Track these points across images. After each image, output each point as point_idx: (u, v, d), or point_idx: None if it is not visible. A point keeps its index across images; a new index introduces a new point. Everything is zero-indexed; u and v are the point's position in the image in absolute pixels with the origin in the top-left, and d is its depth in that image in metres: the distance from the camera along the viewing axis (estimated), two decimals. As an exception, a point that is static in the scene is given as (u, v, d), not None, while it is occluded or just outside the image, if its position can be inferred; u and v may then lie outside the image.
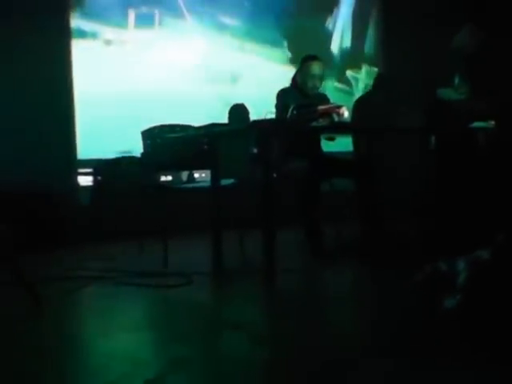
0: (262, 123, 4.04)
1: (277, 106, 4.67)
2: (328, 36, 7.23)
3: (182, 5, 6.53)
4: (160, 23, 6.49)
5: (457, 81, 4.90)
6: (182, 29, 6.58)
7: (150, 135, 4.65)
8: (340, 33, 7.24)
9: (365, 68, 7.41)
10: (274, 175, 3.91)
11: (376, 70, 7.34)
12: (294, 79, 4.88)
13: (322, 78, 4.78)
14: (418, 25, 6.68)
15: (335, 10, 7.21)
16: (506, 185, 4.33)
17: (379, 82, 5.96)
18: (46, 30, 5.50)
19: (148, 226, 4.49)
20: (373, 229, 4.53)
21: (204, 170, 5.21)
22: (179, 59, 6.53)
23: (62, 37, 5.77)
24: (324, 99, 4.82)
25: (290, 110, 4.28)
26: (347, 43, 7.29)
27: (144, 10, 6.42)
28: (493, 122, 4.34)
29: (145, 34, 6.43)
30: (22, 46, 5.39)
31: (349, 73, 7.30)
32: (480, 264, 3.01)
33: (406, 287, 3.37)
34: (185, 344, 2.64)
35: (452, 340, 2.53)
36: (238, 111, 6.03)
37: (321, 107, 4.20)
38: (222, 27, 6.73)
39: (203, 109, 6.29)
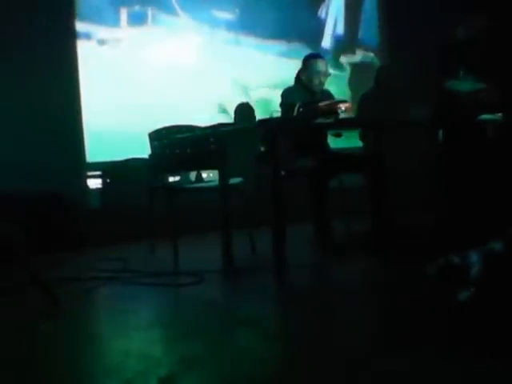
0: (268, 122, 4.05)
1: (282, 105, 4.68)
2: (321, 24, 7.19)
3: (174, 1, 6.47)
4: (153, 21, 6.42)
5: (461, 72, 4.90)
6: (176, 25, 6.52)
7: (157, 136, 4.67)
8: (333, 20, 7.21)
9: (359, 53, 7.39)
10: (282, 173, 3.90)
11: (371, 55, 7.33)
12: (297, 77, 4.88)
13: (326, 75, 4.79)
14: (420, 13, 6.67)
15: None
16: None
17: (381, 75, 5.96)
18: (52, 35, 5.52)
19: (158, 227, 4.51)
20: (383, 223, 4.53)
21: (212, 170, 5.21)
22: (175, 56, 6.48)
23: (68, 40, 5.78)
24: (329, 96, 4.83)
25: (296, 107, 4.29)
26: (340, 30, 7.26)
27: (136, 8, 6.35)
28: (500, 114, 4.33)
29: (138, 32, 6.37)
30: (30, 51, 5.42)
31: (343, 59, 7.27)
32: (493, 256, 3.00)
33: (418, 281, 3.38)
34: (198, 342, 2.65)
35: (466, 333, 2.52)
36: (244, 110, 6.05)
37: (324, 103, 4.21)
38: (216, 22, 6.67)
39: (203, 104, 6.32)
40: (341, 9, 7.24)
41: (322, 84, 4.76)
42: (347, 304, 3.19)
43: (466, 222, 4.36)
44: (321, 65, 4.74)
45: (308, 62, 4.80)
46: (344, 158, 4.81)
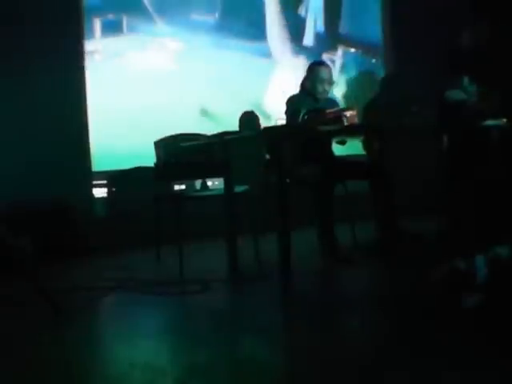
0: (273, 129, 4.05)
1: (287, 112, 4.69)
2: (302, 22, 7.15)
3: (150, 8, 6.32)
4: (128, 29, 6.23)
5: (465, 81, 4.90)
6: (153, 32, 6.34)
7: (162, 145, 4.68)
8: (313, 17, 7.18)
9: (341, 49, 7.38)
10: (288, 180, 3.91)
11: (353, 50, 7.32)
12: (302, 85, 4.88)
13: (331, 83, 4.79)
14: (426, 18, 6.68)
15: None
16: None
17: (386, 83, 5.96)
18: (58, 40, 5.53)
19: (163, 235, 4.51)
20: (388, 229, 4.52)
21: (217, 178, 5.22)
22: (154, 63, 6.31)
23: (75, 50, 5.78)
24: (334, 104, 4.84)
25: (301, 115, 4.29)
26: (321, 27, 7.24)
27: (110, 17, 6.14)
28: (505, 120, 4.33)
29: (113, 42, 6.16)
30: (36, 62, 5.43)
31: (325, 56, 7.23)
32: (499, 261, 3.00)
33: (424, 287, 3.37)
34: (203, 351, 2.65)
35: (474, 339, 2.52)
36: (248, 118, 6.04)
37: (330, 110, 4.21)
38: (195, 26, 6.51)
39: (187, 110, 6.22)
40: (320, 6, 7.21)
41: (326, 92, 4.76)
42: (353, 312, 3.19)
43: (472, 227, 4.35)
44: (325, 72, 4.74)
45: (312, 69, 4.80)
46: (349, 165, 4.82)
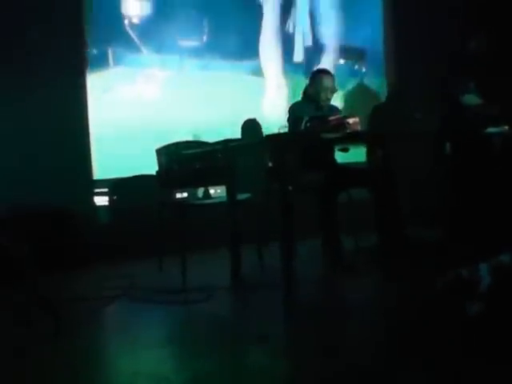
0: (276, 137, 4.05)
1: (289, 120, 4.69)
2: (291, 38, 7.11)
3: (135, 38, 6.21)
4: (115, 62, 6.10)
5: (471, 86, 4.90)
6: (140, 62, 6.21)
7: (165, 152, 4.67)
8: (301, 33, 7.18)
9: (331, 62, 7.32)
10: (290, 188, 3.90)
11: (342, 62, 7.31)
12: (305, 92, 4.90)
13: (333, 91, 4.80)
14: (429, 26, 6.68)
15: (293, 10, 7.16)
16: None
17: (394, 94, 5.97)
18: (61, 54, 5.54)
19: (166, 243, 4.50)
20: (392, 237, 4.51)
21: (219, 186, 5.21)
22: (143, 93, 6.20)
23: (77, 62, 5.79)
24: (336, 111, 4.84)
25: (304, 122, 4.29)
26: (309, 41, 7.24)
27: (94, 51, 6.00)
28: (507, 127, 4.33)
29: (99, 76, 6.02)
30: (39, 69, 5.44)
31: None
32: (502, 269, 2.99)
33: (427, 295, 3.36)
34: (207, 360, 2.64)
35: (477, 348, 2.51)
36: (251, 126, 6.04)
37: (332, 118, 4.21)
38: (182, 51, 6.42)
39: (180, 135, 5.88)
40: (306, 20, 7.20)
41: (328, 100, 4.77)
42: (357, 320, 3.18)
43: (475, 235, 4.34)
44: (327, 80, 4.75)
45: (315, 77, 4.82)
46: (352, 172, 4.81)
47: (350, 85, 7.26)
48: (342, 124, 4.12)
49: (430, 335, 2.74)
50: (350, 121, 4.16)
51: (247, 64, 6.72)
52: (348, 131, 4.05)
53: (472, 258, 3.16)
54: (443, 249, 4.42)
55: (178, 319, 3.51)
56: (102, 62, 6.04)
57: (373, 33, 7.43)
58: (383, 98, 6.80)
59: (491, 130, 4.29)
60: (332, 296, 3.93)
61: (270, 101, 6.77)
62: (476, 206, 4.55)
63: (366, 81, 7.36)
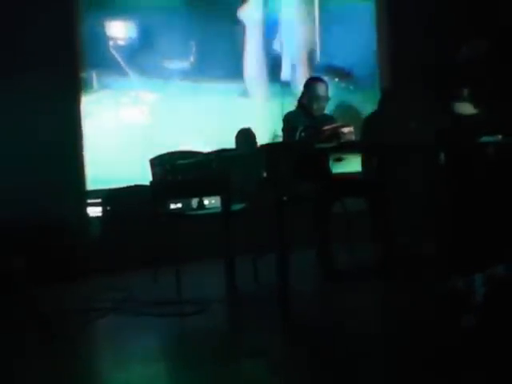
0: (271, 146, 4.04)
1: (284, 130, 4.68)
2: (278, 57, 7.08)
3: (120, 61, 6.15)
4: (100, 85, 6.06)
5: (465, 95, 4.89)
6: (126, 85, 6.16)
7: (159, 162, 4.65)
8: (288, 51, 7.12)
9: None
10: (285, 198, 3.88)
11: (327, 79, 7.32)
12: (299, 101, 4.90)
13: (327, 99, 4.80)
14: (422, 35, 6.68)
15: (279, 29, 7.12)
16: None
17: (384, 99, 5.95)
18: (53, 68, 5.55)
19: (160, 255, 4.48)
20: (387, 247, 4.50)
21: (213, 197, 5.18)
22: (129, 117, 6.14)
23: (69, 75, 5.79)
24: (330, 120, 4.83)
25: (298, 132, 4.28)
26: (297, 60, 7.19)
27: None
28: (501, 136, 4.32)
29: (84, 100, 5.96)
30: (32, 80, 5.43)
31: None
32: (497, 280, 2.98)
33: (422, 306, 3.34)
34: (202, 373, 2.63)
35: (473, 358, 2.49)
36: (245, 136, 6.02)
37: (326, 127, 4.20)
38: (168, 73, 6.37)
39: None
40: (293, 39, 7.22)
41: (321, 108, 4.78)
42: (353, 332, 3.16)
43: (470, 246, 4.33)
44: (321, 89, 4.77)
45: (309, 85, 4.83)
46: (346, 182, 4.80)
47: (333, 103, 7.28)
48: (336, 133, 4.12)
49: (427, 346, 2.72)
50: (345, 130, 4.16)
51: (234, 86, 6.71)
52: (342, 141, 4.05)
53: (467, 270, 3.15)
54: (439, 260, 4.41)
55: (173, 332, 3.49)
56: (86, 86, 6.01)
57: (365, 49, 7.44)
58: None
59: (485, 138, 4.28)
60: (328, 308, 3.91)
61: (256, 120, 6.71)
62: (472, 216, 4.53)
63: (353, 99, 7.35)
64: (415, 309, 3.41)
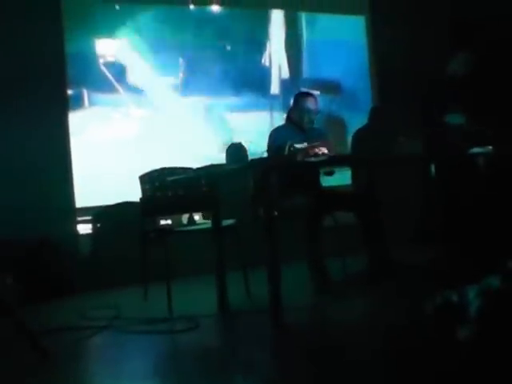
0: (260, 161, 4.03)
1: (269, 146, 4.66)
2: (267, 72, 7.17)
3: (110, 77, 6.19)
4: (90, 102, 6.09)
5: (454, 107, 4.92)
6: (116, 102, 6.22)
7: (148, 179, 4.63)
8: (277, 66, 7.22)
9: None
10: (275, 213, 3.86)
11: (318, 92, 7.34)
12: (289, 115, 4.90)
13: (317, 113, 4.80)
14: (410, 51, 6.72)
15: (268, 45, 7.20)
16: (510, 209, 4.31)
17: (374, 115, 5.98)
18: (42, 81, 5.55)
19: (150, 271, 4.45)
20: (379, 260, 4.49)
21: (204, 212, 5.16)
22: (119, 133, 6.16)
23: (56, 93, 5.79)
24: (320, 133, 4.84)
25: (287, 146, 4.27)
26: (286, 74, 7.27)
27: (68, 92, 5.96)
28: (491, 147, 4.33)
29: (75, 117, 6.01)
30: (22, 98, 5.44)
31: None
32: (491, 292, 2.97)
33: (416, 319, 3.33)
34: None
35: (468, 371, 2.48)
36: (235, 150, 6.02)
37: (309, 147, 4.21)
38: (158, 89, 6.43)
39: None
40: (282, 54, 7.25)
41: (311, 122, 4.77)
42: (346, 345, 3.13)
43: (463, 256, 4.33)
44: (311, 102, 4.77)
45: (298, 99, 4.84)
46: (337, 196, 4.79)
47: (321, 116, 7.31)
48: (316, 154, 4.14)
49: (421, 359, 2.70)
50: (320, 151, 4.17)
51: (224, 101, 6.72)
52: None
53: (461, 282, 3.14)
54: (431, 272, 4.40)
55: (164, 349, 3.46)
56: (77, 103, 6.03)
57: (355, 63, 7.48)
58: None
59: (475, 150, 4.29)
60: (320, 322, 3.88)
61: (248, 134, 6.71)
62: (464, 227, 4.54)
63: (341, 113, 7.37)
64: (409, 322, 3.39)
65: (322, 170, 4.72)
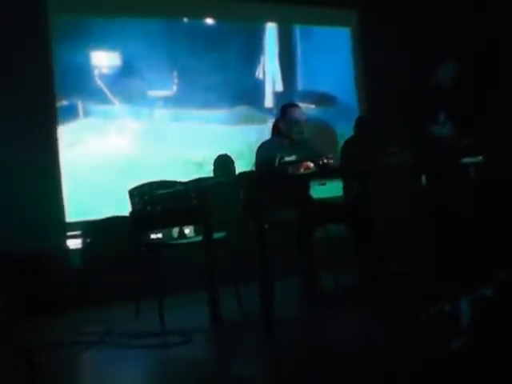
0: (250, 174, 4.03)
1: (257, 160, 4.65)
2: (260, 85, 7.22)
3: (105, 89, 6.23)
4: (85, 113, 6.12)
5: (442, 117, 4.94)
6: (111, 114, 6.27)
7: (138, 193, 4.62)
8: (271, 79, 7.25)
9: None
10: (266, 226, 3.86)
11: (312, 106, 7.36)
12: (275, 127, 4.88)
13: (305, 122, 4.80)
14: (397, 62, 6.75)
15: (262, 58, 7.22)
16: (502, 219, 4.32)
17: (360, 124, 6.00)
18: (32, 93, 5.54)
19: (142, 286, 4.43)
20: (371, 272, 4.49)
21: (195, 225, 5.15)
22: (114, 145, 6.22)
23: (46, 106, 5.78)
24: (308, 144, 4.82)
25: (278, 158, 4.26)
26: (280, 87, 7.29)
27: (64, 103, 6.02)
28: (481, 157, 4.35)
29: (69, 128, 6.05)
30: (12, 112, 5.43)
31: None
32: (483, 302, 2.97)
33: (409, 331, 3.32)
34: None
35: (461, 382, 2.48)
36: (223, 162, 6.00)
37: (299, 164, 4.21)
38: (153, 102, 6.49)
39: None
40: (276, 66, 7.28)
41: (301, 132, 4.77)
42: (338, 359, 3.12)
43: (455, 269, 4.33)
44: (298, 113, 4.78)
45: (285, 111, 4.83)
46: (329, 208, 4.78)
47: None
48: (307, 167, 4.14)
49: (415, 371, 2.70)
50: (301, 167, 4.18)
51: (218, 113, 6.73)
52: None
53: (453, 293, 3.14)
54: (424, 284, 4.40)
55: (157, 364, 3.42)
56: (71, 114, 6.05)
57: (343, 74, 7.51)
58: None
59: (466, 160, 4.31)
60: (312, 335, 3.87)
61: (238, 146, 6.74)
62: (455, 238, 4.55)
63: (333, 123, 7.39)
64: (402, 333, 3.38)
65: (315, 182, 4.72)
